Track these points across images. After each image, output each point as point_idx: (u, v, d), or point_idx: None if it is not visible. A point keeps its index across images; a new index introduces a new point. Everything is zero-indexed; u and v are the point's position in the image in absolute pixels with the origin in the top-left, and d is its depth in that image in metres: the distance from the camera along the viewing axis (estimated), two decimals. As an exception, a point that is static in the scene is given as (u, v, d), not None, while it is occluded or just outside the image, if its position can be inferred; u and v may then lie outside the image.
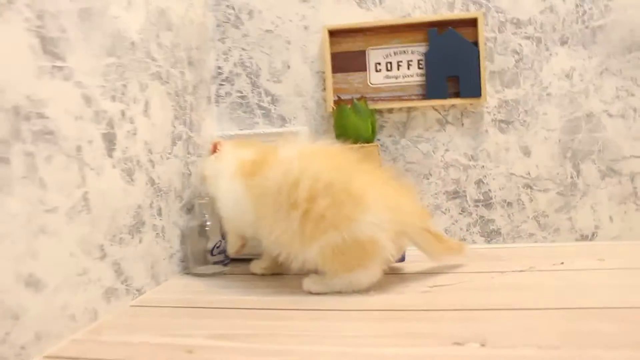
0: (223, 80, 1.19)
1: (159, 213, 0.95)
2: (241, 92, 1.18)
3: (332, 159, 0.84)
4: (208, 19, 1.19)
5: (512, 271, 0.90)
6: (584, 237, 1.09)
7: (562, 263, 0.93)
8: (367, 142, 1.05)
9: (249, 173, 0.88)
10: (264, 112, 1.18)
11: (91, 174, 0.77)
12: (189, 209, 1.05)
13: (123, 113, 0.85)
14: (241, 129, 1.18)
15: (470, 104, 1.10)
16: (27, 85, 0.65)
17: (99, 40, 0.80)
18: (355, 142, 1.04)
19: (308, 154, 0.84)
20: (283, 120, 1.17)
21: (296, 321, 0.72)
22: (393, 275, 0.91)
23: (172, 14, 1.02)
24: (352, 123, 1.05)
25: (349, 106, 1.05)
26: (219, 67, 1.20)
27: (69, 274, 0.71)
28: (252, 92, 1.18)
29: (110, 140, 0.81)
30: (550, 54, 1.08)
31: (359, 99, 1.07)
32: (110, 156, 0.82)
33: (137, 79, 0.89)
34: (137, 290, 0.87)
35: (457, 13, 1.10)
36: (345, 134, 1.05)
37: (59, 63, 0.71)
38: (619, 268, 0.87)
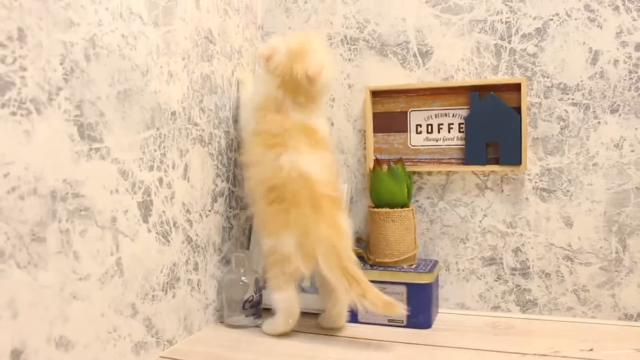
0: (270, 134, 1.28)
1: (195, 268, 1.05)
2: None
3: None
4: (258, 77, 1.28)
5: (533, 354, 0.91)
6: (627, 317, 1.07)
7: (592, 350, 0.93)
8: (402, 206, 1.10)
9: None
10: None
11: (125, 240, 0.88)
12: (228, 260, 1.14)
13: (161, 180, 0.96)
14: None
15: (511, 171, 1.11)
16: (64, 170, 0.76)
17: (138, 117, 0.90)
18: (391, 205, 1.09)
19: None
20: (325, 175, 1.24)
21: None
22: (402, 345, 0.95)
23: (217, 77, 1.12)
24: (386, 187, 1.10)
25: (385, 169, 1.10)
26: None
27: (99, 333, 0.82)
28: (297, 147, 1.25)
29: (146, 207, 0.92)
30: (599, 122, 1.08)
31: (396, 162, 1.11)
32: (146, 222, 0.92)
33: (177, 146, 1.00)
34: (168, 341, 0.98)
35: (501, 77, 1.11)
36: (380, 197, 1.10)
37: (96, 145, 0.82)
38: None
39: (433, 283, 1.06)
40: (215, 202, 1.12)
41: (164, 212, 0.96)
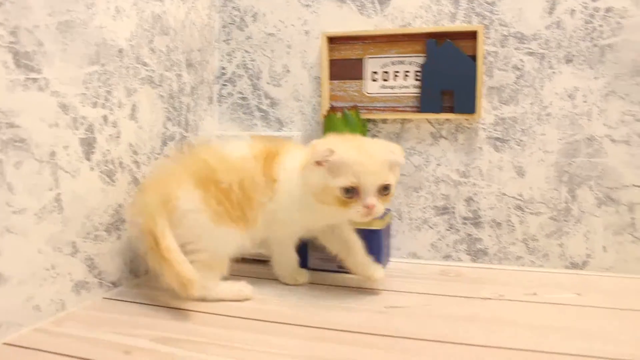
0: (226, 81, 1.27)
1: (143, 211, 1.04)
2: (242, 94, 1.26)
3: None
4: (214, 21, 1.26)
5: (480, 298, 0.93)
6: (574, 265, 1.10)
7: (535, 294, 0.95)
8: (355, 153, 1.10)
9: None
10: (262, 114, 1.25)
11: (65, 176, 0.86)
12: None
13: (105, 118, 0.94)
14: (241, 130, 1.26)
15: (466, 120, 1.12)
16: (-3, 99, 0.74)
17: (81, 51, 0.89)
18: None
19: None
20: (280, 123, 1.24)
21: (241, 332, 0.79)
22: (354, 289, 0.96)
23: (170, 18, 1.10)
24: (339, 133, 1.09)
25: (339, 115, 1.09)
26: (223, 68, 1.27)
27: (35, 269, 0.81)
28: (253, 94, 1.25)
29: (89, 144, 0.91)
30: (554, 72, 1.08)
31: (350, 109, 1.11)
32: (89, 159, 0.91)
33: (124, 85, 0.98)
34: (112, 283, 0.97)
35: (458, 25, 1.11)
36: (333, 144, 1.10)
37: (33, 75, 0.80)
38: (592, 306, 0.88)
39: (383, 230, 1.07)
40: (166, 145, 1.10)
41: (108, 150, 0.95)
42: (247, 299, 0.92)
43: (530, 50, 1.09)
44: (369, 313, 0.86)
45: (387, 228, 1.12)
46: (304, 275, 1.01)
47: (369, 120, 1.16)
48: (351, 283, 1.00)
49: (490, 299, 0.93)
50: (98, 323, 0.82)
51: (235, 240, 0.91)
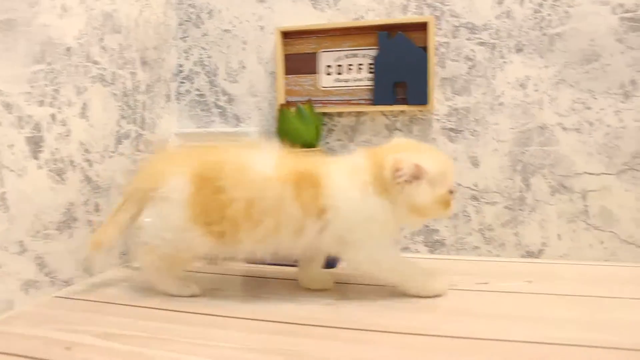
0: (184, 79, 1.27)
1: (96, 209, 1.05)
2: (200, 91, 1.26)
3: None
4: (170, 18, 1.27)
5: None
6: (530, 254, 1.10)
7: (487, 283, 0.96)
8: (310, 147, 1.11)
9: None
10: (220, 111, 1.25)
11: (11, 175, 0.86)
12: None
13: (54, 116, 0.94)
14: (199, 127, 1.26)
15: (420, 111, 1.12)
16: None
17: (24, 50, 0.89)
18: (298, 146, 1.09)
19: None
20: (238, 119, 1.24)
21: (191, 326, 0.79)
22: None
23: (122, 16, 1.10)
24: (293, 128, 1.10)
25: (292, 110, 1.10)
26: (180, 65, 1.27)
27: (-21, 268, 0.81)
28: (210, 91, 1.25)
29: (35, 143, 0.91)
30: (505, 62, 1.09)
31: (304, 103, 1.12)
32: (36, 158, 0.91)
33: (74, 83, 0.98)
34: (65, 282, 0.97)
35: (409, 16, 1.12)
36: (287, 138, 1.10)
37: (-28, 75, 0.80)
38: (541, 293, 0.89)
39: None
40: (120, 144, 1.11)
41: (57, 149, 0.95)
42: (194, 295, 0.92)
43: (482, 41, 1.10)
44: (318, 305, 0.86)
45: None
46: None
47: (324, 114, 1.17)
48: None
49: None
50: (44, 321, 0.82)
51: (205, 248, 0.88)
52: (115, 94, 1.09)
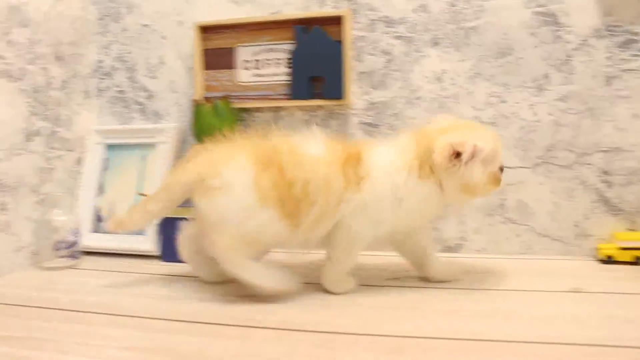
0: (104, 74, 1.25)
1: (4, 208, 1.02)
2: (119, 87, 1.24)
3: None
4: (89, 13, 1.24)
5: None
6: (449, 249, 1.10)
7: (398, 279, 0.95)
8: (227, 143, 1.09)
9: None
10: (140, 107, 1.23)
11: None
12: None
13: (-53, 111, 0.92)
14: (120, 124, 1.24)
15: (337, 106, 1.11)
16: None
17: None
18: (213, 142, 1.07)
19: None
20: (158, 116, 1.22)
21: (80, 325, 0.77)
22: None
23: (30, 10, 1.08)
24: (207, 123, 1.08)
25: (207, 106, 1.08)
26: (100, 61, 1.25)
27: None
28: (130, 87, 1.23)
29: None
30: (422, 55, 1.08)
31: (221, 98, 1.10)
32: None
33: (-28, 77, 0.96)
34: (-35, 283, 0.95)
35: (325, 10, 1.11)
36: (202, 134, 1.09)
37: None
38: (456, 288, 0.89)
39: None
40: (31, 141, 1.08)
41: (-48, 145, 0.92)
42: (278, 291, 0.84)
43: (398, 34, 1.10)
44: (204, 303, 0.84)
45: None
46: (351, 282, 0.90)
47: (242, 109, 1.15)
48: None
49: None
50: None
51: (279, 231, 0.82)
52: (24, 90, 1.07)
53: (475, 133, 0.83)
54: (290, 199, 0.81)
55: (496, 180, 0.84)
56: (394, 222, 0.85)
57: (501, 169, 0.85)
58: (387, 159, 0.84)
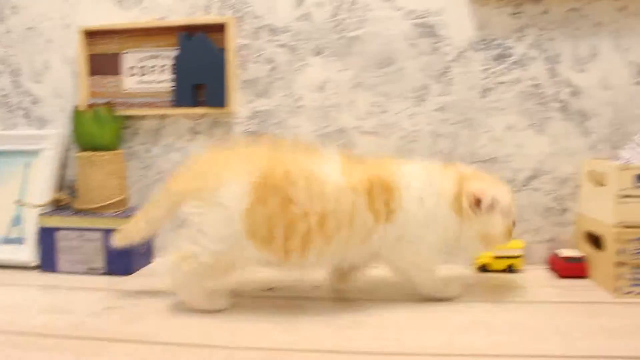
0: (-13, 79, 1.22)
1: None
2: (3, 91, 1.21)
3: None
4: (-28, 14, 1.21)
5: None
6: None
7: (272, 289, 0.95)
8: (108, 150, 1.07)
9: None
10: (24, 112, 1.20)
11: None
12: None
13: None
14: (3, 129, 1.21)
15: (221, 114, 1.11)
16: None
17: None
18: (93, 149, 1.06)
19: None
20: (43, 122, 1.19)
21: None
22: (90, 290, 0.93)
23: None
24: (88, 131, 1.07)
25: (88, 112, 1.07)
26: (-16, 64, 1.22)
27: None
28: (14, 92, 1.20)
29: None
30: (305, 64, 1.09)
31: (103, 105, 1.08)
32: None
33: None
34: None
35: (209, 17, 1.11)
36: (82, 142, 1.07)
37: None
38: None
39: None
40: None
41: None
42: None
43: (282, 43, 1.10)
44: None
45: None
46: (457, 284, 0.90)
47: (128, 117, 1.14)
48: (101, 284, 0.97)
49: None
50: None
51: (256, 261, 0.81)
52: None
53: (494, 185, 0.85)
54: (292, 233, 0.77)
55: (509, 234, 0.86)
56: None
57: (514, 224, 0.87)
58: (420, 182, 0.84)
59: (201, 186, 0.80)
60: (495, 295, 0.90)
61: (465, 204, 0.82)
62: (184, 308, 0.84)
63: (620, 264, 0.88)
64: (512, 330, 0.74)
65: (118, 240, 0.88)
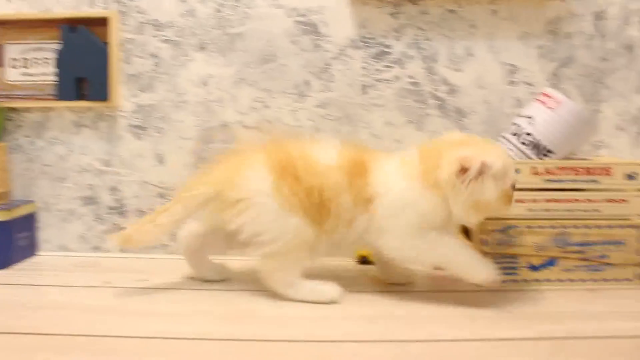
0: None
1: None
2: None
3: None
4: None
5: (87, 286, 0.93)
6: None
7: (146, 280, 0.96)
8: (-12, 143, 1.06)
9: None
10: None
11: None
12: None
13: None
14: None
15: (106, 107, 1.11)
16: None
17: None
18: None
19: None
20: None
21: None
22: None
23: None
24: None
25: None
26: None
27: None
28: None
29: None
30: (189, 60, 1.10)
31: (-18, 97, 1.07)
32: None
33: None
34: None
35: (92, 11, 1.10)
36: (-39, 134, 1.06)
37: None
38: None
39: (11, 222, 1.04)
40: None
41: None
42: (333, 302, 0.85)
43: (166, 38, 1.11)
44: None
45: (24, 219, 1.09)
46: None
47: (11, 109, 1.13)
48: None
49: (96, 287, 0.93)
50: None
51: (309, 238, 0.83)
52: None
53: (485, 149, 0.81)
54: (311, 205, 0.82)
55: (508, 198, 0.82)
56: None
57: (513, 187, 0.83)
58: (393, 175, 0.85)
59: (222, 187, 0.85)
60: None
61: (445, 175, 0.79)
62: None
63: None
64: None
65: (117, 242, 0.87)
